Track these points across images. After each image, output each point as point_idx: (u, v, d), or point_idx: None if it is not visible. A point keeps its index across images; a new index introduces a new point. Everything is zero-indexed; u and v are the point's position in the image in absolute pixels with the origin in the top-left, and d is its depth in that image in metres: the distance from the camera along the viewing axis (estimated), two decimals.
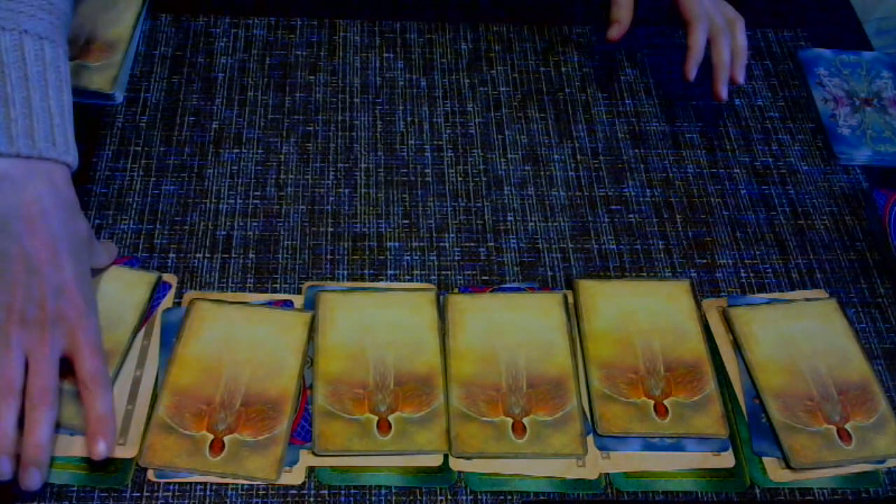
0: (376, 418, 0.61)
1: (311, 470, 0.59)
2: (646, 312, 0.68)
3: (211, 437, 0.59)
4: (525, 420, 0.62)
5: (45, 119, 0.58)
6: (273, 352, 0.63)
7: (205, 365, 0.62)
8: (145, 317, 0.65)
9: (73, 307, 0.57)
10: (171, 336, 0.64)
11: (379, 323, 0.65)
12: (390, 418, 0.61)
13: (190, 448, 0.59)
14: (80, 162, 0.60)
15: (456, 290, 0.69)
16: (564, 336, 0.66)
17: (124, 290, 0.65)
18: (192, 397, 0.61)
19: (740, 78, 0.78)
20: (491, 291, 0.69)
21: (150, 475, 0.58)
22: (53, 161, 0.58)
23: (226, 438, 0.59)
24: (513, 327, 0.66)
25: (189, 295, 0.67)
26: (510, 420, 0.61)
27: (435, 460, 0.60)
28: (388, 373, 0.63)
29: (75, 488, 0.58)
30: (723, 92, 0.77)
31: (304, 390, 0.62)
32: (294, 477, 0.59)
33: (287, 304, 0.67)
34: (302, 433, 0.60)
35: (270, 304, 0.67)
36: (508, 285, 0.70)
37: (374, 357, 0.64)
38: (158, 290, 0.66)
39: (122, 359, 0.62)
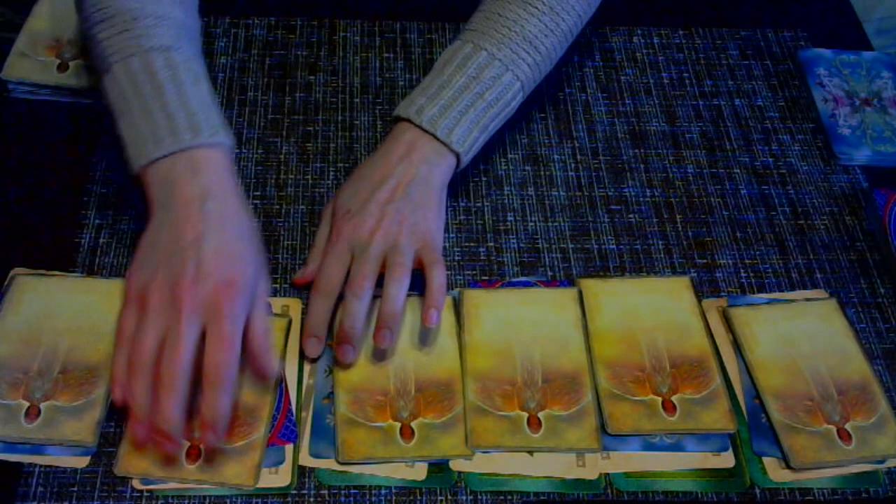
0: (399, 425, 0.61)
1: (304, 469, 0.59)
2: (648, 310, 0.68)
3: (187, 444, 0.59)
4: (540, 414, 0.62)
5: (182, 113, 0.60)
6: None
7: None
8: None
9: (213, 290, 0.56)
10: None
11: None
12: (413, 424, 0.61)
13: (164, 457, 0.58)
14: (82, 161, 0.59)
15: (466, 286, 0.69)
16: (579, 331, 0.66)
17: (104, 300, 0.65)
18: None
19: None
20: (500, 286, 0.69)
21: (136, 483, 0.58)
22: (204, 147, 0.60)
23: (203, 446, 0.59)
24: (528, 322, 0.66)
25: None
26: (525, 414, 0.62)
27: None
28: (409, 378, 0.63)
29: (75, 489, 0.58)
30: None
31: (286, 394, 0.62)
32: (281, 478, 0.59)
33: None
34: (287, 434, 0.60)
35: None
36: (518, 279, 0.70)
37: (395, 365, 0.64)
38: None
39: None
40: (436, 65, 0.71)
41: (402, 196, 0.65)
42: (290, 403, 0.62)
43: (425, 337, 0.65)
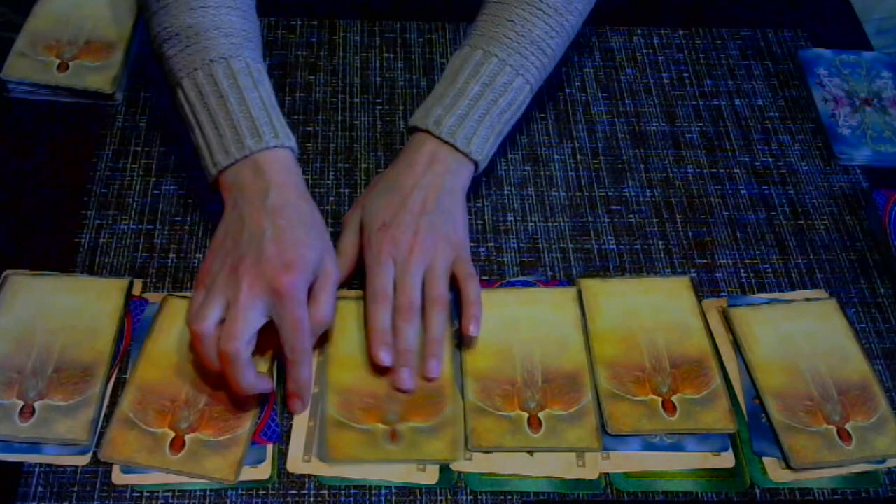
0: (387, 427, 0.61)
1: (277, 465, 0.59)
2: (648, 310, 0.68)
3: (172, 434, 0.59)
4: (541, 414, 0.62)
5: (244, 121, 0.63)
6: None
7: (172, 362, 0.62)
8: (126, 325, 0.64)
9: (272, 270, 0.58)
10: (143, 333, 0.64)
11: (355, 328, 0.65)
12: (399, 427, 0.61)
13: (150, 445, 0.59)
14: (82, 162, 0.59)
15: None
16: (579, 331, 0.66)
17: (97, 299, 0.65)
18: (156, 394, 0.61)
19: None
20: (499, 286, 0.69)
21: (116, 476, 0.58)
22: (266, 150, 0.63)
23: (187, 437, 0.59)
24: (527, 322, 0.66)
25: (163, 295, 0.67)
26: (526, 414, 0.62)
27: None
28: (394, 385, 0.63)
29: (76, 489, 0.58)
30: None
31: (273, 393, 0.62)
32: (261, 472, 0.59)
33: None
34: (268, 433, 0.60)
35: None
36: (518, 279, 0.70)
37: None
38: (136, 304, 0.66)
39: (109, 368, 0.62)
40: (446, 72, 0.71)
41: (434, 207, 0.66)
42: (275, 403, 0.62)
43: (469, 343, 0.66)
